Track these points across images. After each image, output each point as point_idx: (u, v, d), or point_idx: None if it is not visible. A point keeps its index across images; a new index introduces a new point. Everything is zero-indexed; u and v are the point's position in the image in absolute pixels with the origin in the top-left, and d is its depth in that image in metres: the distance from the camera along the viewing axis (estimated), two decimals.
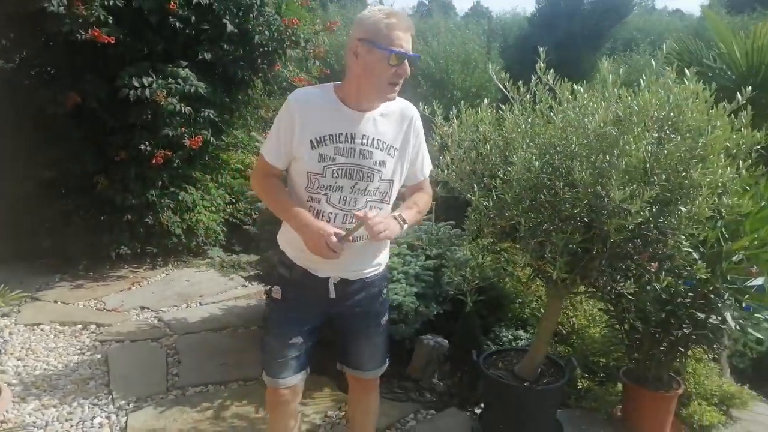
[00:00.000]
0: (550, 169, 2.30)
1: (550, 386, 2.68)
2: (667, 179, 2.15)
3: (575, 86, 2.27)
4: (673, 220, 2.08)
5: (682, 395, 2.97)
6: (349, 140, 1.86)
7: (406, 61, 1.78)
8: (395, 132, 1.94)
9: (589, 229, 2.22)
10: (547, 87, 2.38)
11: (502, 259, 3.00)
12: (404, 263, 3.38)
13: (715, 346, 3.19)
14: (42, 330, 3.91)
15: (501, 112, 2.47)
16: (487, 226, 2.41)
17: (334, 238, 1.78)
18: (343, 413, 3.00)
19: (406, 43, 1.77)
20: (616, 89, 2.13)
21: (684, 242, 2.17)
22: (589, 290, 2.57)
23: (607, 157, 2.10)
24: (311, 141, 1.83)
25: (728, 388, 3.07)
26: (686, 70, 2.14)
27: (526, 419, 2.73)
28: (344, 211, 1.89)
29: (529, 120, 2.36)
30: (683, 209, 2.04)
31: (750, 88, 2.18)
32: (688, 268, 2.35)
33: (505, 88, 2.41)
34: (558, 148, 2.29)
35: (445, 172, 2.49)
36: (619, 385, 3.05)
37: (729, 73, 3.32)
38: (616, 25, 14.20)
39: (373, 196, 1.93)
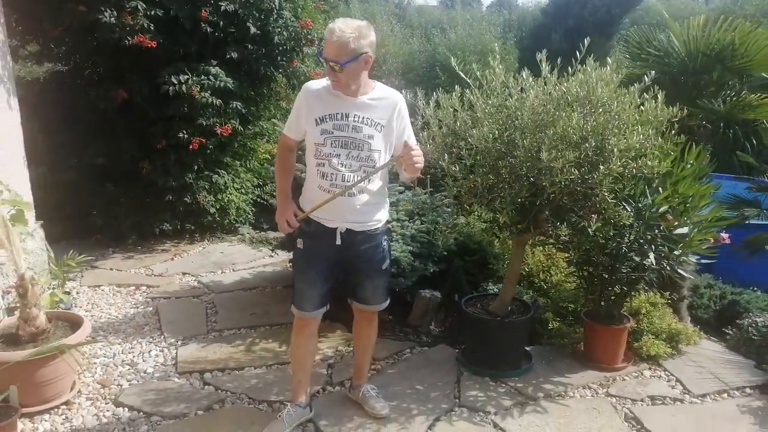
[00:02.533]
0: (506, 140, 2.88)
1: (516, 319, 3.29)
2: (596, 145, 2.72)
3: (523, 73, 2.85)
4: (596, 177, 2.65)
5: (635, 331, 3.54)
6: (343, 118, 2.46)
7: (330, 64, 2.35)
8: (382, 113, 2.51)
9: (534, 186, 2.80)
10: (511, 75, 2.97)
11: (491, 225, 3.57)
12: (402, 227, 3.99)
13: (670, 293, 3.76)
14: (102, 290, 4.65)
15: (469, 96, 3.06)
16: (461, 188, 3.01)
17: (293, 217, 2.56)
18: (351, 349, 3.65)
19: (327, 49, 2.37)
20: (551, 75, 2.71)
21: (608, 196, 2.73)
22: (540, 238, 3.15)
23: (545, 129, 2.68)
24: (316, 119, 2.46)
25: (676, 326, 3.60)
26: (608, 59, 2.70)
27: (498, 348, 3.34)
28: (343, 171, 2.46)
29: (489, 102, 2.94)
30: (602, 168, 2.60)
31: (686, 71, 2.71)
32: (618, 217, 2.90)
33: (465, 77, 2.99)
34: (514, 123, 2.88)
35: (426, 146, 3.09)
36: None
37: (672, 59, 3.83)
38: (629, 12, 14.44)
39: (366, 162, 2.49)
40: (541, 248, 4.23)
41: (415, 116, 3.37)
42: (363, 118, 2.47)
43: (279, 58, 5.69)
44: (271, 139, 6.75)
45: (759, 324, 3.60)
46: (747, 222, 5.04)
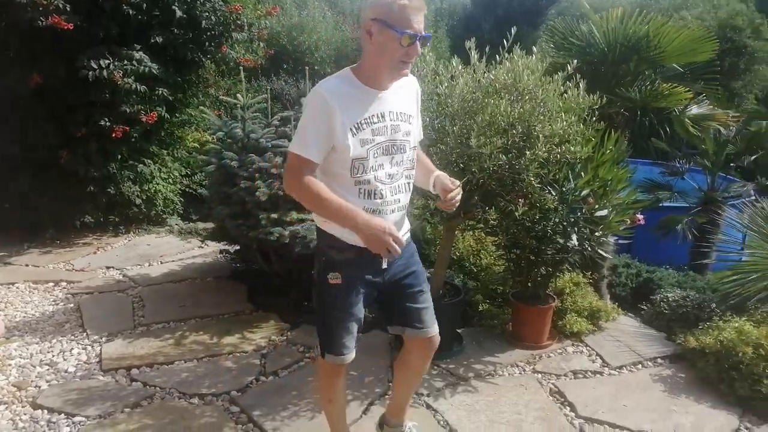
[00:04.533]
0: (437, 127, 2.93)
1: (447, 303, 3.36)
2: (523, 132, 2.82)
3: (453, 61, 2.90)
4: (522, 162, 2.74)
5: (560, 310, 3.70)
6: (380, 119, 1.92)
7: (417, 41, 1.82)
8: (409, 102, 2.04)
9: (463, 173, 2.86)
10: (442, 63, 3.01)
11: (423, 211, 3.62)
12: None
13: (591, 273, 3.94)
14: (17, 288, 4.39)
15: None
16: None
17: (397, 236, 1.85)
18: (285, 338, 3.63)
19: (417, 23, 1.80)
20: (480, 63, 2.77)
21: (534, 181, 2.83)
22: (470, 223, 3.23)
23: (474, 116, 2.74)
24: (351, 129, 1.85)
25: (597, 304, 3.80)
26: (533, 48, 2.79)
27: None
28: (388, 185, 1.97)
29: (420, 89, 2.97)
30: (528, 153, 2.70)
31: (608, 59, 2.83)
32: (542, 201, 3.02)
33: None
34: (444, 111, 2.93)
35: None
36: None
37: (593, 49, 4.02)
38: (555, 3, 14.96)
39: (407, 164, 2.04)
40: (471, 233, 4.34)
41: None
42: (397, 113, 1.98)
43: (207, 43, 5.52)
44: (199, 127, 6.55)
45: (670, 299, 3.85)
46: (660, 204, 5.38)
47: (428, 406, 2.93)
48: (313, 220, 2.98)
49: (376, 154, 1.92)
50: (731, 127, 5.35)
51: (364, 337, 3.66)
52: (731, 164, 5.84)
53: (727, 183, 5.69)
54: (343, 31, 9.97)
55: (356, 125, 1.87)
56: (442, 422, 2.80)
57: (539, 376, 3.24)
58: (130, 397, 2.95)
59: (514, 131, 2.80)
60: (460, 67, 2.84)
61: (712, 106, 4.62)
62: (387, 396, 3.00)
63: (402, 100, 2.00)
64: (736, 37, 11.24)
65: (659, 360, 3.42)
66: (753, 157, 5.86)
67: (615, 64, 3.97)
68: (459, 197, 2.05)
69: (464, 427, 2.75)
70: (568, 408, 2.94)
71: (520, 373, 3.28)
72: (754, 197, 5.14)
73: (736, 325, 3.15)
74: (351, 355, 2.15)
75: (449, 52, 11.38)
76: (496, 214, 2.87)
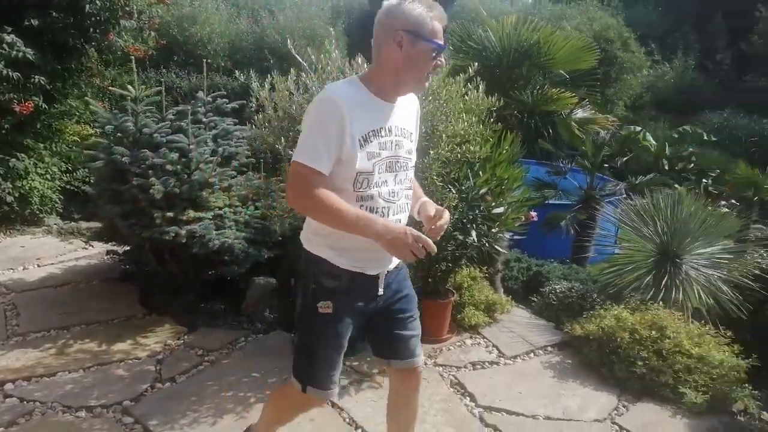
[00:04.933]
0: None
1: None
2: (426, 131, 2.89)
3: (359, 59, 2.91)
4: (426, 161, 2.81)
5: (458, 304, 3.84)
6: (387, 133, 1.81)
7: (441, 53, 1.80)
8: (410, 118, 1.94)
9: None
10: (347, 60, 3.00)
11: None
12: (235, 213, 3.86)
13: (487, 267, 4.12)
14: None
15: (305, 79, 3.05)
16: None
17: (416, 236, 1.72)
18: (182, 342, 3.46)
19: (441, 36, 1.78)
20: None
21: (437, 180, 2.92)
22: None
23: None
24: (359, 140, 1.73)
25: (493, 297, 3.99)
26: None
27: None
28: (390, 203, 1.85)
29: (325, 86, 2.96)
30: (432, 152, 2.77)
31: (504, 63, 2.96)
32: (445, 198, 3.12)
33: (302, 61, 2.98)
34: None
35: (261, 130, 3.03)
36: None
37: (489, 53, 4.23)
38: (449, 5, 15.44)
39: (407, 184, 1.92)
40: None
41: (248, 98, 3.28)
42: (401, 129, 1.87)
43: (91, 29, 5.12)
44: (81, 120, 6.07)
45: (557, 291, 4.12)
46: (547, 202, 5.74)
47: (334, 405, 2.92)
48: (212, 219, 2.86)
49: (380, 169, 1.80)
50: (608, 131, 5.83)
51: (265, 338, 3.60)
52: (605, 165, 6.37)
53: (603, 182, 6.20)
54: (237, 24, 9.67)
55: (364, 137, 1.75)
56: (348, 420, 2.82)
57: (440, 369, 3.34)
58: (3, 416, 2.68)
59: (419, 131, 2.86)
60: (365, 65, 2.86)
61: (593, 111, 5.01)
62: None
63: (405, 115, 1.90)
64: (608, 48, 12.24)
65: (549, 348, 3.65)
66: (624, 159, 6.44)
67: (509, 68, 4.20)
68: (446, 226, 1.92)
69: (371, 423, 2.78)
70: (468, 398, 3.06)
71: (422, 367, 3.35)
72: (624, 195, 5.66)
73: (615, 312, 3.44)
74: (337, 390, 1.98)
75: (346, 51, 11.42)
76: None
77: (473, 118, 2.89)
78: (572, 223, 5.49)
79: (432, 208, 1.98)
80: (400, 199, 1.88)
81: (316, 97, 1.78)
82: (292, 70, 3.10)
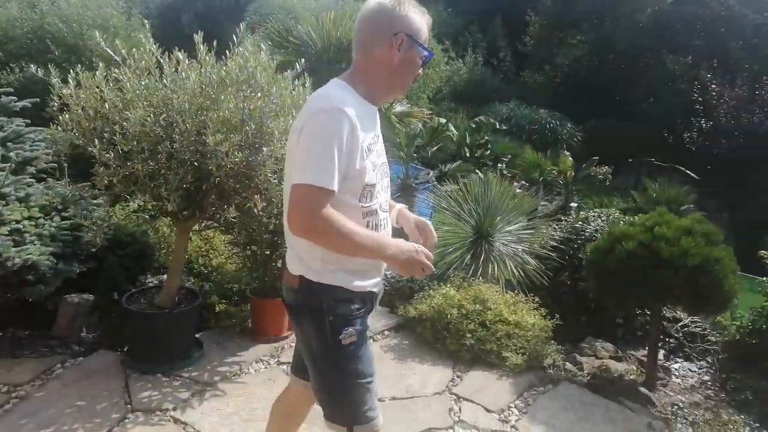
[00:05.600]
0: (164, 123, 2.73)
1: (185, 309, 3.19)
2: (257, 128, 2.82)
3: (180, 54, 2.74)
4: (259, 158, 2.75)
5: None
6: (378, 139, 1.72)
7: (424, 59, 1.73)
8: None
9: (198, 171, 2.75)
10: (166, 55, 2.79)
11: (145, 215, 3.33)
12: (37, 226, 3.40)
13: None
14: None
15: (115, 75, 2.78)
16: (115, 176, 2.73)
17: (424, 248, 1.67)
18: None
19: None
20: (208, 57, 2.67)
21: (271, 177, 2.87)
22: (206, 222, 3.12)
23: (207, 112, 2.64)
24: (364, 150, 1.60)
25: None
26: (262, 45, 2.81)
27: (167, 341, 3.19)
28: (385, 213, 1.76)
29: (143, 83, 2.73)
30: (265, 149, 2.72)
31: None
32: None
33: (115, 55, 2.72)
34: (170, 106, 2.74)
35: (68, 132, 2.70)
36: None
37: (310, 48, 4.28)
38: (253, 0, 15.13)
39: (389, 191, 1.83)
40: (198, 233, 4.18)
41: (46, 96, 2.89)
42: (380, 135, 1.78)
43: None
44: None
45: (388, 276, 4.33)
46: None
47: (176, 421, 2.75)
48: (8, 235, 2.48)
49: (379, 178, 1.69)
50: (416, 123, 6.24)
51: (87, 361, 3.28)
52: (417, 154, 6.83)
53: (417, 171, 6.64)
54: (7, 8, 8.43)
55: (368, 147, 1.62)
56: None
57: (285, 367, 3.32)
58: None
59: (247, 128, 2.79)
60: (187, 61, 2.70)
61: (410, 105, 5.32)
62: (127, 420, 2.72)
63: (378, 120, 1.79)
64: None
65: (386, 332, 3.84)
66: (434, 149, 6.96)
67: (332, 63, 4.26)
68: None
69: None
70: None
71: (266, 368, 3.31)
72: (435, 182, 6.13)
73: (443, 291, 3.73)
74: (381, 417, 1.78)
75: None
76: (236, 213, 2.83)
77: None
78: None
79: (411, 216, 1.95)
80: (387, 209, 1.79)
81: (317, 107, 1.55)
82: (101, 64, 2.80)
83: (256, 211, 2.87)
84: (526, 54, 17.27)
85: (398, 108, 5.18)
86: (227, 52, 2.73)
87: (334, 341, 1.66)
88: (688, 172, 8.52)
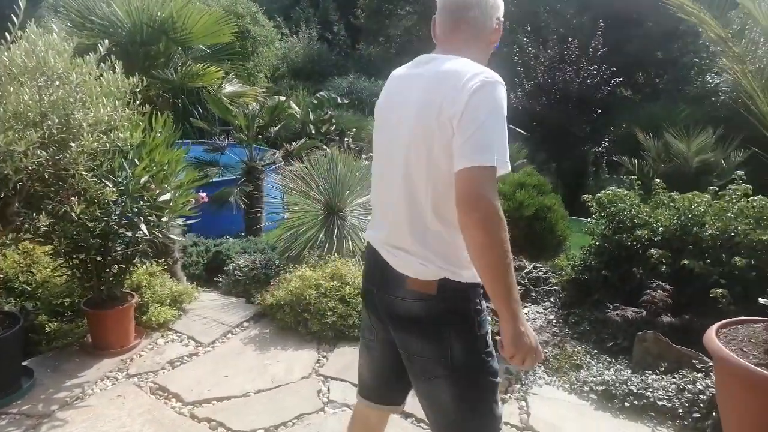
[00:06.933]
0: None
1: (2, 336, 2.76)
2: (61, 122, 2.47)
3: None
4: (69, 156, 2.42)
5: (141, 305, 3.52)
6: None
7: None
8: None
9: None
10: None
11: None
12: None
13: (165, 259, 3.86)
14: None
15: None
16: None
17: None
18: None
19: None
20: None
21: (87, 175, 2.55)
22: (12, 235, 2.71)
23: None
24: None
25: (177, 288, 3.78)
26: (53, 25, 2.44)
27: None
28: None
29: None
30: (74, 145, 2.40)
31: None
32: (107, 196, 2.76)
33: None
34: None
35: None
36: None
37: (118, 29, 3.86)
38: None
39: None
40: (14, 247, 3.65)
41: None
42: None
43: None
44: None
45: (241, 266, 4.14)
46: (212, 180, 5.67)
47: None
48: None
49: None
50: (254, 103, 5.99)
51: None
52: (260, 136, 6.58)
53: (262, 152, 6.40)
54: None
55: None
56: None
57: (136, 379, 3.03)
58: None
59: (49, 122, 2.43)
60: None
61: (241, 84, 5.05)
62: None
63: None
64: (240, 23, 12.52)
65: (245, 324, 3.67)
66: (276, 128, 6.76)
67: (145, 44, 3.88)
68: None
69: None
70: (174, 399, 2.86)
71: (113, 384, 3.00)
72: (283, 162, 5.97)
73: (299, 273, 3.63)
74: None
75: None
76: (49, 220, 2.47)
77: (115, 102, 2.59)
78: (240, 197, 5.55)
79: None
80: None
81: (492, 81, 1.36)
82: None
83: (74, 215, 2.53)
84: (360, 27, 17.42)
85: (229, 88, 4.91)
86: (7, 35, 2.33)
87: (480, 343, 1.49)
88: (518, 130, 9.16)
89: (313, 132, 8.54)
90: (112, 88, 2.61)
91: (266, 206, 5.85)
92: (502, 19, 1.60)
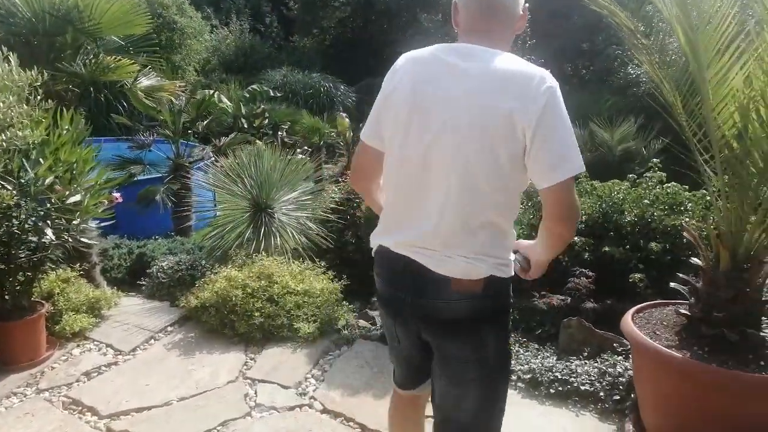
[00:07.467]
0: None
1: None
2: None
3: None
4: None
5: (53, 314, 3.31)
6: None
7: None
8: None
9: None
10: None
11: None
12: None
13: (80, 264, 3.65)
14: None
15: None
16: None
17: None
18: None
19: None
20: None
21: None
22: None
23: None
24: None
25: (94, 294, 3.57)
26: None
27: None
28: None
29: None
30: None
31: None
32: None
33: None
34: None
35: None
36: None
37: (18, 19, 3.59)
38: None
39: None
40: None
41: None
42: None
43: None
44: None
45: (165, 268, 3.97)
46: (136, 179, 5.42)
47: None
48: None
49: None
50: (181, 97, 5.76)
51: None
52: (189, 131, 6.34)
53: (190, 148, 6.17)
54: None
55: None
56: None
57: (47, 394, 2.84)
58: None
59: None
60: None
61: (159, 78, 4.82)
62: None
63: None
64: (166, 14, 12.04)
65: (169, 328, 3.51)
66: (205, 123, 6.53)
67: (49, 35, 3.62)
68: None
69: None
70: (90, 413, 2.69)
71: (21, 401, 2.79)
72: (212, 158, 5.77)
73: (225, 274, 3.50)
74: None
75: None
76: None
77: (12, 98, 2.40)
78: (168, 195, 5.32)
79: None
80: None
81: (555, 85, 1.35)
82: None
83: None
84: (293, 19, 17.13)
85: (146, 82, 4.67)
86: None
87: (508, 341, 1.58)
88: None
89: (246, 126, 8.33)
90: (6, 83, 2.42)
91: (195, 205, 5.65)
92: (527, 5, 1.55)
